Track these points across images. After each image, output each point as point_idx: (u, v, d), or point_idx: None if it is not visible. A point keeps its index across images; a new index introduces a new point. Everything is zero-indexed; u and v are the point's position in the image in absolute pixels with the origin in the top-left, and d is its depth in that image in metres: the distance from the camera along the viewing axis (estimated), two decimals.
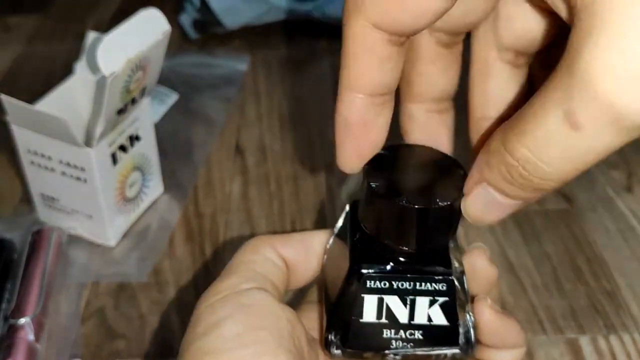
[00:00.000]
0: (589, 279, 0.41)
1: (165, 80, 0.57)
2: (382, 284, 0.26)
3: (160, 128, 0.49)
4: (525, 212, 0.46)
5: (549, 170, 0.19)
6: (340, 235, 0.28)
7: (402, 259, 0.25)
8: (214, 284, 0.25)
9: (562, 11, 0.19)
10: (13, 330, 0.36)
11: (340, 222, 0.28)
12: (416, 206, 0.23)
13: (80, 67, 0.40)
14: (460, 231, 0.44)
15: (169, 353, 0.37)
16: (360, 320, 0.26)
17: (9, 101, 0.38)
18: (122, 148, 0.42)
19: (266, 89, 0.60)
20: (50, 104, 0.39)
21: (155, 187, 0.47)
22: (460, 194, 0.24)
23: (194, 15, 0.65)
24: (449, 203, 0.23)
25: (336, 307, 0.26)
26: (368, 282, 0.26)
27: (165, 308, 0.40)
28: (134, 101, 0.41)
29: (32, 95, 0.40)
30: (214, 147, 0.53)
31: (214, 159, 0.52)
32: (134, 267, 0.42)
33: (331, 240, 0.28)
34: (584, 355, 0.36)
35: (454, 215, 0.24)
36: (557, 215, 0.46)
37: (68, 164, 0.40)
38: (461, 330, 0.27)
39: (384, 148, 0.25)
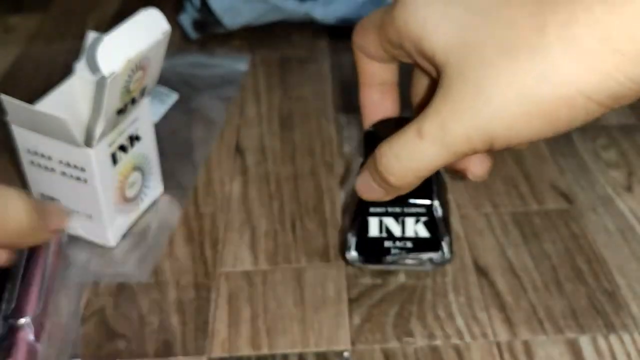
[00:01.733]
0: (588, 279, 0.41)
1: (165, 80, 0.57)
2: (380, 209, 0.38)
3: (160, 128, 0.49)
4: (525, 212, 0.46)
5: (397, 167, 0.29)
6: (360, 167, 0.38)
7: None
8: None
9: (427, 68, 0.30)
10: (13, 330, 0.36)
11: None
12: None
13: (80, 67, 0.40)
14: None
15: (169, 353, 0.37)
16: (367, 235, 0.38)
17: (9, 101, 0.38)
18: (122, 148, 0.42)
19: (266, 89, 0.60)
20: (50, 104, 0.39)
21: (155, 187, 0.47)
22: None
23: (194, 15, 0.65)
24: None
25: (351, 226, 0.39)
26: (371, 208, 0.38)
27: (165, 308, 0.40)
28: (133, 101, 0.41)
29: (32, 95, 0.40)
30: (214, 147, 0.53)
31: (214, 159, 0.52)
32: (134, 267, 0.42)
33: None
34: (584, 355, 0.36)
35: None
36: (557, 215, 0.45)
37: (68, 164, 0.40)
38: (442, 240, 0.38)
39: (386, 118, 0.36)
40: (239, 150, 0.53)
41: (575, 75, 0.23)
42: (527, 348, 0.37)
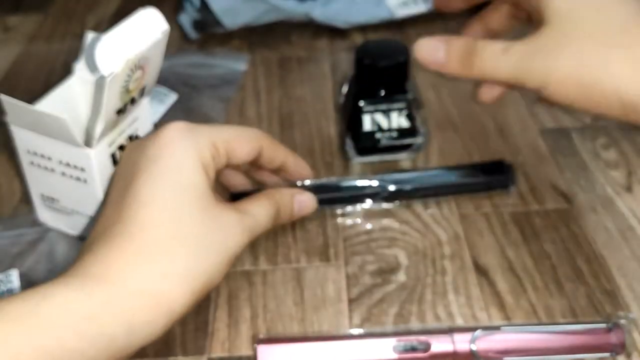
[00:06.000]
0: (588, 279, 0.41)
1: (165, 80, 0.57)
2: (371, 107, 0.47)
3: None
4: (525, 211, 0.46)
5: (478, 62, 0.36)
6: (350, 80, 0.50)
7: (381, 93, 0.47)
8: None
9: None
10: None
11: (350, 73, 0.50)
12: (382, 65, 0.46)
13: (79, 67, 0.40)
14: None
15: (168, 353, 0.37)
16: (362, 129, 0.48)
17: (9, 101, 0.38)
18: (122, 148, 0.42)
19: (266, 89, 0.60)
20: (50, 104, 0.39)
21: None
22: (405, 58, 0.46)
23: (193, 15, 0.65)
24: (396, 62, 0.46)
25: (349, 123, 0.49)
26: (364, 107, 0.47)
27: None
28: (133, 101, 0.41)
29: (32, 95, 0.40)
30: None
31: None
32: None
33: (346, 86, 0.50)
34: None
35: (402, 67, 0.47)
36: (557, 215, 0.45)
37: (68, 164, 0.40)
38: (418, 128, 0.48)
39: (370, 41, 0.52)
40: None
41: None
42: None
